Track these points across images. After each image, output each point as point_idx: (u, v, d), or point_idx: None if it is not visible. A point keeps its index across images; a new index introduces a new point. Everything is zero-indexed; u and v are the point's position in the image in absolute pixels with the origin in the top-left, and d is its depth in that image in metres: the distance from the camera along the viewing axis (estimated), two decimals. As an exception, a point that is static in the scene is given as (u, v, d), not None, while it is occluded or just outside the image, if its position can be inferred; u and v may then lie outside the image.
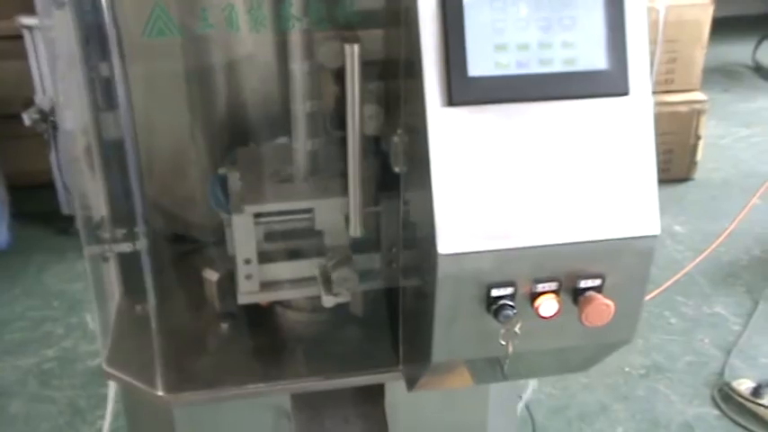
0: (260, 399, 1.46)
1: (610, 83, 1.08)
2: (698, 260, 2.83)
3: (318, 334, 1.51)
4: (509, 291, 1.09)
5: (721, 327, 2.99)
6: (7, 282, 3.35)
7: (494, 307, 1.09)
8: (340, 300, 1.39)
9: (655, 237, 1.08)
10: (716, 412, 2.56)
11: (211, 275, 1.53)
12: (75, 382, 2.74)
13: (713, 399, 2.61)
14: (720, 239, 2.67)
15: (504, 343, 1.10)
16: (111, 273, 1.58)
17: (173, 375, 1.38)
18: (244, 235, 1.37)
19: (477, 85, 1.05)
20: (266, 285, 1.42)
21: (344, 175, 1.28)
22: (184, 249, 1.65)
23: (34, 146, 3.48)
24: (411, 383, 1.33)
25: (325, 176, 1.40)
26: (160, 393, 1.35)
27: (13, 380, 2.75)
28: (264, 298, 1.45)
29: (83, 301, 3.14)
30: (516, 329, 1.09)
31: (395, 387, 1.45)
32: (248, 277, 1.40)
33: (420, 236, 1.13)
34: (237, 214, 1.35)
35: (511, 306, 1.09)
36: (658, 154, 1.09)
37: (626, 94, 1.08)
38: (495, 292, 1.09)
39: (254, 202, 1.36)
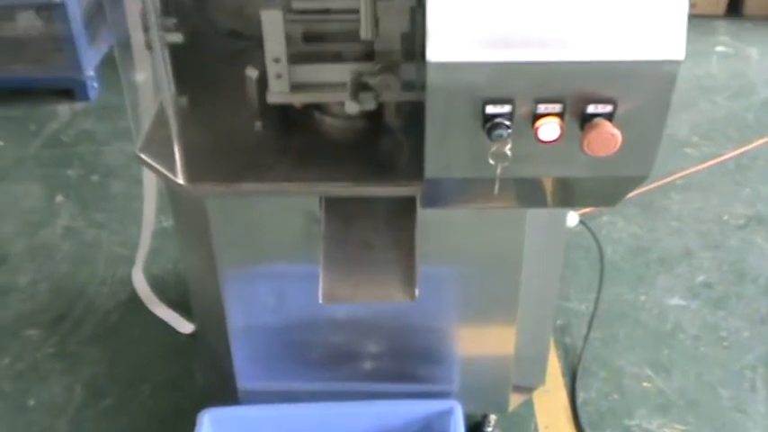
0: (288, 199, 1.47)
1: None
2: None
3: (353, 142, 1.48)
4: (506, 109, 1.00)
5: None
6: (122, 70, 3.49)
7: (488, 125, 1.01)
8: (365, 107, 1.34)
9: (678, 63, 0.94)
10: (813, 272, 2.37)
11: (252, 72, 1.51)
12: (173, 171, 2.87)
13: (814, 258, 2.42)
14: None
15: (492, 162, 1.02)
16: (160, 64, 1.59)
17: (198, 166, 1.40)
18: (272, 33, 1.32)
19: None
20: (297, 87, 1.39)
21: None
22: (240, 46, 1.63)
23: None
24: (422, 200, 1.29)
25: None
26: (181, 182, 1.37)
27: (119, 163, 2.94)
28: (293, 99, 1.42)
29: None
30: (507, 150, 1.01)
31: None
32: (278, 77, 1.37)
33: (420, 43, 1.04)
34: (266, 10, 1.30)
35: (506, 126, 1.00)
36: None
37: None
38: (489, 109, 1.00)
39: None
